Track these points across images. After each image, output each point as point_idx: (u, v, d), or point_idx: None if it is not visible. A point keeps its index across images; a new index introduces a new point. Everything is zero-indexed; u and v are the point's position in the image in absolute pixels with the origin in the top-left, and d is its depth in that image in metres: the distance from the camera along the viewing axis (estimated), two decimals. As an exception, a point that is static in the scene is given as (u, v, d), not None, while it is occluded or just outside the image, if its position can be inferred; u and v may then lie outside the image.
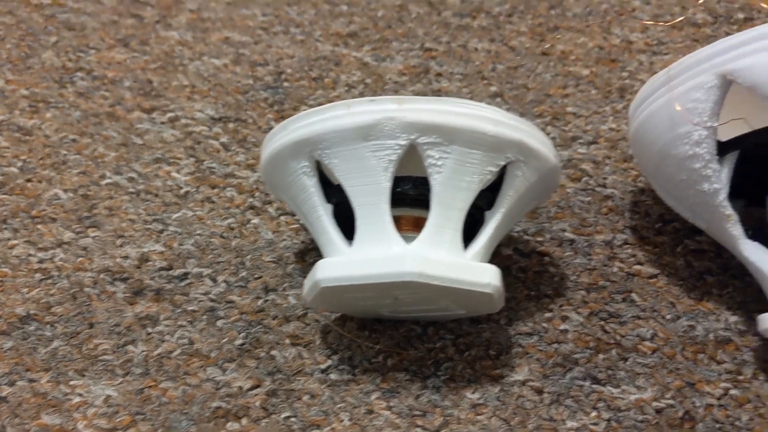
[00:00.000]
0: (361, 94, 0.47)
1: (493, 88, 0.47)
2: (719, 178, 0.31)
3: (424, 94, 0.47)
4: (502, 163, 0.29)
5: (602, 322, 0.35)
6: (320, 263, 0.29)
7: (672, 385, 0.32)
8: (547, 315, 0.35)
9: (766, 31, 0.27)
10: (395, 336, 0.34)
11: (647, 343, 0.34)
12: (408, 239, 0.29)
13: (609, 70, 0.49)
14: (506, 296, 0.36)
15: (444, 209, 0.28)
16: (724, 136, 0.32)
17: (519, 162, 0.29)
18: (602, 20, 0.53)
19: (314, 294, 0.30)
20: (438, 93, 0.47)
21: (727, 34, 0.51)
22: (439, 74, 0.49)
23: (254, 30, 0.52)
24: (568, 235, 0.39)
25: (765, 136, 0.30)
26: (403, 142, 0.28)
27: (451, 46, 0.51)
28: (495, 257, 0.38)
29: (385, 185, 0.28)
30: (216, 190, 0.41)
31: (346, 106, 0.28)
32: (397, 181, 0.30)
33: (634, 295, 0.36)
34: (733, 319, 0.35)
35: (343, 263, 0.28)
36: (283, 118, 0.45)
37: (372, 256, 0.28)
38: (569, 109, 0.46)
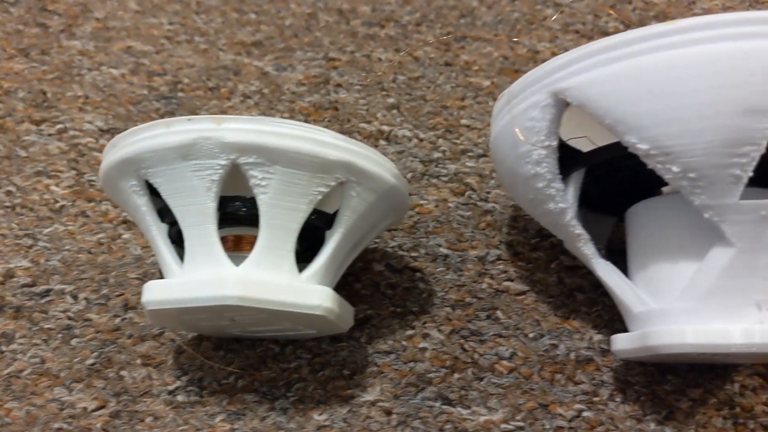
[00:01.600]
0: (256, 105, 0.46)
1: (391, 100, 0.47)
2: (564, 197, 0.30)
3: (321, 105, 0.46)
4: (332, 183, 0.28)
5: (462, 340, 0.34)
6: (146, 285, 0.28)
7: (524, 406, 0.32)
8: (409, 333, 0.35)
9: (593, 49, 0.27)
10: (251, 356, 0.34)
11: (505, 363, 0.33)
12: (244, 260, 0.29)
13: (510, 81, 0.48)
14: (371, 313, 0.35)
15: (273, 230, 0.28)
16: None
17: (351, 182, 0.29)
18: (511, 29, 0.52)
19: (150, 316, 0.29)
20: (335, 104, 0.47)
21: (636, 43, 0.51)
22: (339, 85, 0.48)
23: (158, 39, 0.51)
24: (443, 250, 0.38)
25: (609, 153, 0.29)
26: (223, 162, 0.27)
27: (356, 56, 0.50)
28: (365, 273, 0.37)
29: (210, 206, 0.28)
30: (92, 204, 0.40)
31: (166, 125, 0.27)
32: (232, 201, 0.30)
33: (499, 313, 0.35)
34: (597, 338, 0.34)
35: (168, 286, 0.28)
36: (172, 129, 0.44)
37: (197, 278, 0.28)
38: (464, 121, 0.45)
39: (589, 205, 0.35)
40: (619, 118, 0.26)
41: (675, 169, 0.26)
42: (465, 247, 0.38)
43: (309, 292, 0.28)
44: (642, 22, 0.53)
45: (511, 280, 0.37)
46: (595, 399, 0.32)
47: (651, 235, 0.30)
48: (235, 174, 0.28)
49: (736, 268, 0.27)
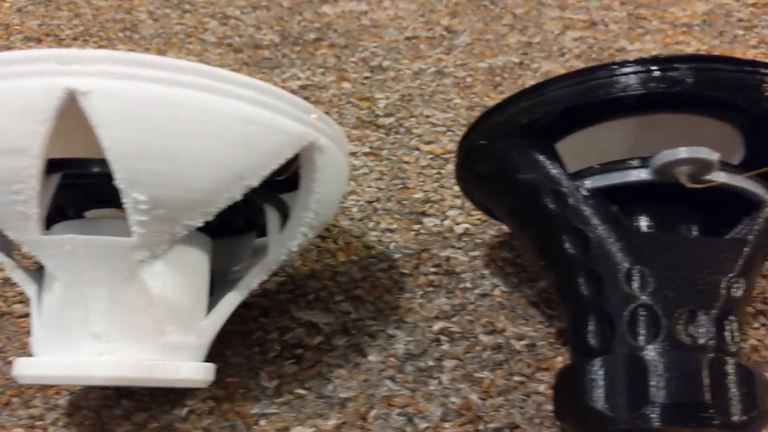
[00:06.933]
0: None
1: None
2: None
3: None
4: None
5: (-62, 366, 0.35)
6: None
7: (-36, 431, 0.32)
8: None
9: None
10: None
11: (-33, 388, 0.34)
12: None
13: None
14: None
15: None
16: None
17: None
18: (165, 43, 0.52)
19: None
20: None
21: (285, 56, 0.51)
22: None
23: None
24: (-26, 272, 0.38)
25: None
26: None
27: (-4, 72, 0.50)
28: None
29: None
30: None
31: None
32: None
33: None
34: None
35: None
36: None
37: None
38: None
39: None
40: None
41: (-24, 205, 0.26)
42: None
43: None
44: (300, 35, 0.53)
45: (22, 302, 0.37)
46: (38, 423, 0.32)
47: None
48: None
49: (70, 301, 0.27)
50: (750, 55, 0.51)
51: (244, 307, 0.36)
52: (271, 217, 0.31)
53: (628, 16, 0.55)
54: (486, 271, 0.38)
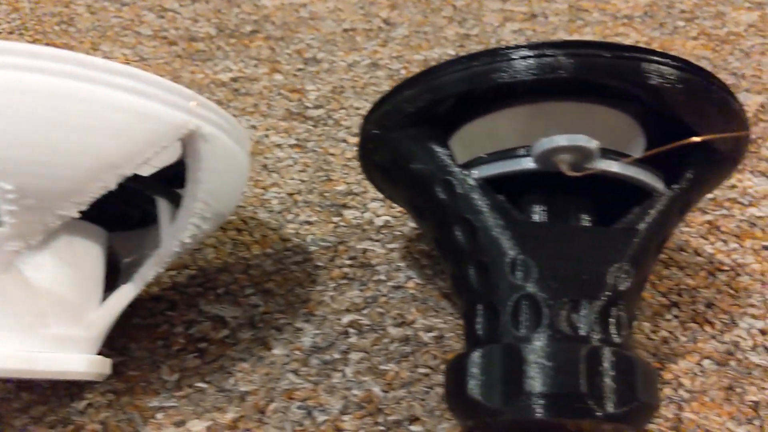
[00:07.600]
0: None
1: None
2: None
3: None
4: None
5: None
6: None
7: None
8: None
9: None
10: None
11: None
12: None
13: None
14: None
15: None
16: None
17: None
18: (101, 36, 0.52)
19: None
20: None
21: (219, 49, 0.51)
22: None
23: None
24: None
25: None
26: None
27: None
28: None
29: None
30: None
31: None
32: None
33: None
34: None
35: None
36: None
37: None
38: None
39: None
40: None
41: None
42: None
43: None
44: (237, 28, 0.53)
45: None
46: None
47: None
48: None
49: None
50: (689, 46, 0.50)
51: (152, 300, 0.36)
52: (162, 208, 0.31)
53: (569, 8, 0.54)
54: (402, 264, 0.38)
